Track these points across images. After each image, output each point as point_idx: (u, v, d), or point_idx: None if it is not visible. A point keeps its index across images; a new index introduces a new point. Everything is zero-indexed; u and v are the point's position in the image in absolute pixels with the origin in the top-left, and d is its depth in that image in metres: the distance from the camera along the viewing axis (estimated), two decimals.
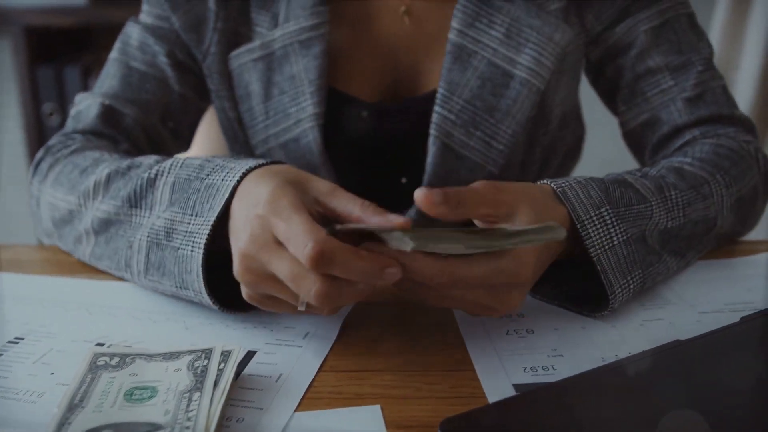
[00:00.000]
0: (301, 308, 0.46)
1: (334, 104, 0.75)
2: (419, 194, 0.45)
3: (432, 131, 0.72)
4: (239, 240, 0.48)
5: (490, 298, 0.48)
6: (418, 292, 0.48)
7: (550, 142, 0.79)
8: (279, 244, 0.46)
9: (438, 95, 0.72)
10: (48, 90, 1.81)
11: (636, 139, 0.78)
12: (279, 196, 0.47)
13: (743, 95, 1.87)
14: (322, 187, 0.49)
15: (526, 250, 0.48)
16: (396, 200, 0.77)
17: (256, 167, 0.52)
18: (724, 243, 0.70)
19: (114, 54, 0.78)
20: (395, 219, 0.44)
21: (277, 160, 0.55)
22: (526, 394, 0.44)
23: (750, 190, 0.69)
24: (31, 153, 1.80)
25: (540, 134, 0.77)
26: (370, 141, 0.77)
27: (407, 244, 0.42)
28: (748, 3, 1.81)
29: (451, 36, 0.72)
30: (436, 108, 0.72)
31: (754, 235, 0.74)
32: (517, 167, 0.76)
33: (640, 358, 0.48)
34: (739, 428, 0.40)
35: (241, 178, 0.52)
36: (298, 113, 0.73)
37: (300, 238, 0.43)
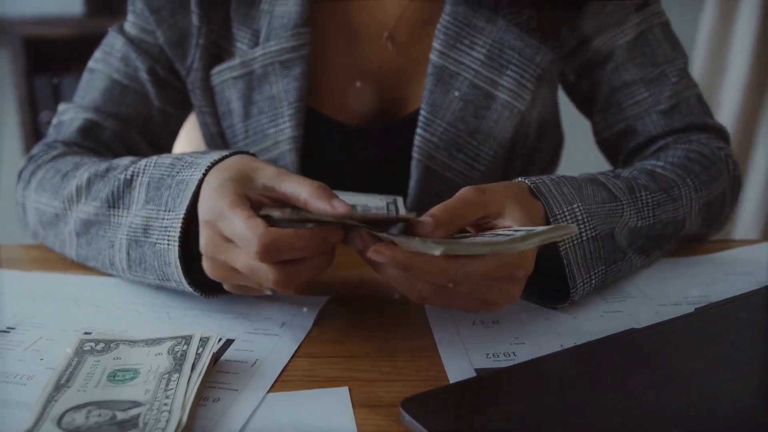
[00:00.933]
0: (268, 293, 0.50)
1: (314, 126, 0.76)
2: (423, 222, 0.49)
3: (415, 154, 0.73)
4: (200, 243, 0.52)
5: (494, 292, 0.50)
6: (431, 295, 0.50)
7: (529, 154, 0.81)
8: (231, 241, 0.49)
9: (420, 118, 0.73)
10: (45, 99, 1.85)
11: (611, 147, 0.81)
12: (218, 197, 0.50)
13: (730, 99, 1.91)
14: (269, 173, 0.52)
15: None
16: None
17: (219, 160, 0.55)
18: (688, 242, 0.73)
19: (96, 64, 0.79)
20: (339, 206, 0.48)
21: (239, 151, 0.57)
22: (483, 376, 0.47)
23: (719, 194, 0.71)
24: None
25: (519, 147, 0.78)
26: (351, 164, 0.79)
27: (434, 249, 0.44)
28: (735, 7, 1.85)
29: (433, 57, 0.73)
30: (419, 131, 0.73)
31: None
32: (497, 181, 0.78)
33: (595, 344, 0.51)
34: (689, 411, 0.43)
35: (206, 171, 0.55)
36: (277, 135, 0.75)
37: (243, 238, 0.47)
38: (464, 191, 0.52)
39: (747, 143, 1.95)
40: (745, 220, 1.96)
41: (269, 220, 0.48)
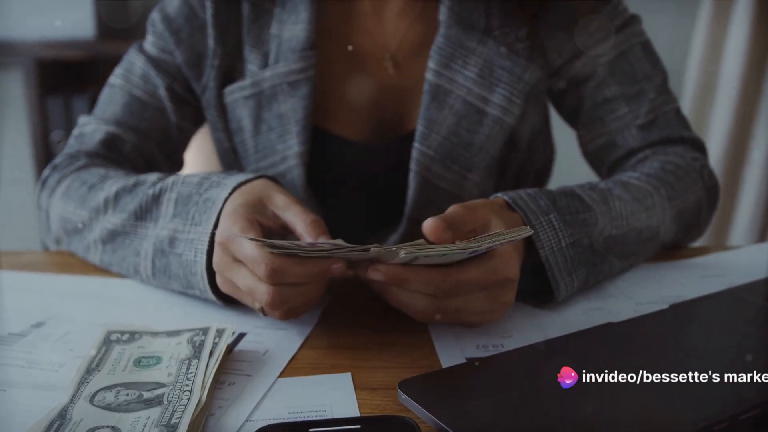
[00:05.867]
0: (259, 312, 0.56)
1: (320, 143, 0.81)
2: (429, 225, 0.53)
3: (412, 166, 0.78)
4: (213, 260, 0.58)
5: (488, 301, 0.55)
6: (433, 312, 0.54)
7: (521, 166, 0.86)
8: (238, 261, 0.55)
9: (417, 132, 0.78)
10: (57, 119, 1.91)
11: (595, 159, 0.87)
12: (232, 222, 0.56)
13: (724, 101, 1.96)
14: (279, 202, 0.58)
15: (508, 250, 0.55)
16: (379, 226, 0.85)
17: (245, 182, 0.61)
18: (668, 249, 0.78)
19: (117, 80, 0.84)
20: (323, 245, 0.52)
21: (261, 175, 0.63)
22: (472, 361, 0.52)
23: (693, 203, 0.76)
24: None
25: (511, 160, 0.83)
26: (354, 177, 0.84)
27: (398, 255, 0.50)
28: (728, 14, 1.90)
29: (428, 76, 0.78)
30: (416, 144, 0.78)
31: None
32: (490, 192, 0.82)
33: (576, 335, 0.56)
34: (660, 396, 0.47)
35: (231, 191, 0.60)
36: (284, 150, 0.80)
37: (253, 260, 0.52)
38: (455, 208, 0.56)
39: (742, 148, 1.99)
40: (740, 227, 2.01)
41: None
